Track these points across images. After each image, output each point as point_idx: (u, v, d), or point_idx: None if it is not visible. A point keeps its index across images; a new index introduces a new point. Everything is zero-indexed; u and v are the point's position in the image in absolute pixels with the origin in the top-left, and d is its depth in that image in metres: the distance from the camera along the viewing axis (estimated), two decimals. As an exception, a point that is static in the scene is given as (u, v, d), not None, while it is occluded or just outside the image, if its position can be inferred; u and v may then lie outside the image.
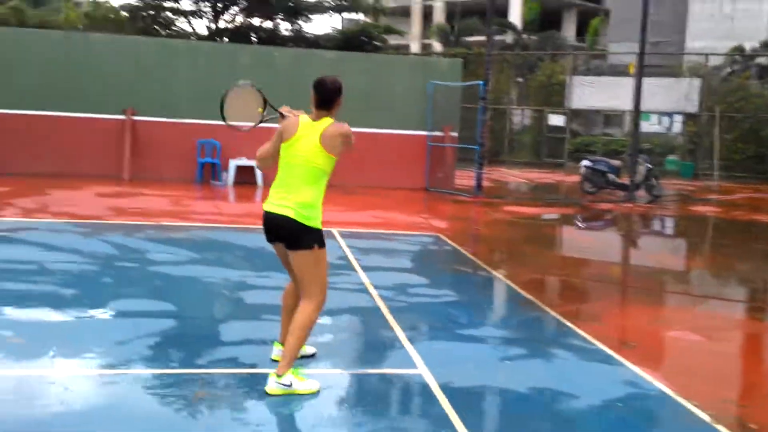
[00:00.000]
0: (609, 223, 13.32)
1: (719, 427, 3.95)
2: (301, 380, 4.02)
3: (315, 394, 4.02)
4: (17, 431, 3.43)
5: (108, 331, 4.91)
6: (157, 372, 4.28)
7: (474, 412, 4.02)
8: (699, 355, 5.45)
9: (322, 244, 4.08)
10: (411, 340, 5.13)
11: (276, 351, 4.44)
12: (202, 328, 5.14)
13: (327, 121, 4.09)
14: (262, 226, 4.20)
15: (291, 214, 3.99)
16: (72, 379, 4.10)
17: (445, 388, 4.23)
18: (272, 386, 3.95)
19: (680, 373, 4.94)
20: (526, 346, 5.25)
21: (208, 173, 14.93)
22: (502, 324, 5.94)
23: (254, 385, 4.12)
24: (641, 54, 15.98)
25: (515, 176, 22.07)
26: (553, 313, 6.15)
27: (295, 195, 4.03)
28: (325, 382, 4.22)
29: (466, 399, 4.16)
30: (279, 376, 3.95)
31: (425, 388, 4.25)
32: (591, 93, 27.23)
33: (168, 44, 16.01)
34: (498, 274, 7.62)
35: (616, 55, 33.99)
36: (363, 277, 7.04)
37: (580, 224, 12.83)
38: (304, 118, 4.14)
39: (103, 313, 5.30)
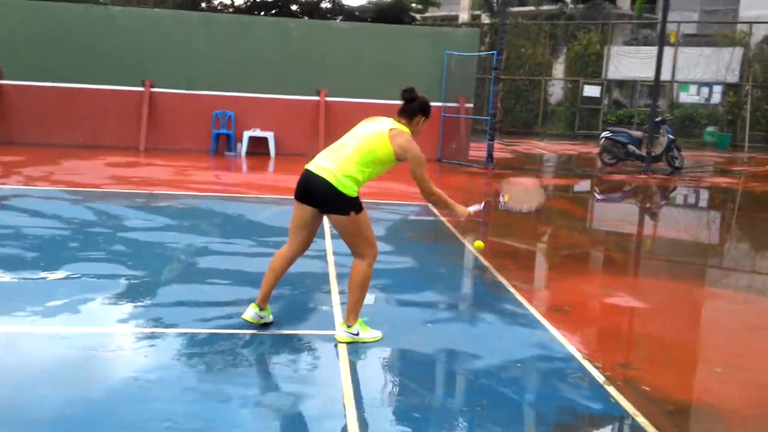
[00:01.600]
0: (612, 195, 13.10)
1: (609, 388, 3.97)
2: (366, 330, 4.48)
3: (376, 342, 4.44)
4: None
5: (49, 291, 5.17)
6: (75, 330, 4.52)
7: (367, 371, 4.13)
8: (629, 321, 5.43)
9: (359, 210, 4.28)
10: (342, 304, 5.24)
11: (250, 311, 4.55)
12: (140, 291, 5.34)
13: (402, 126, 4.34)
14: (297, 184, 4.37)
15: (328, 176, 4.19)
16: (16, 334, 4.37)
17: (350, 349, 4.35)
18: (341, 334, 4.42)
19: (599, 337, 4.95)
20: (455, 311, 5.33)
21: (224, 144, 15.25)
22: (444, 290, 5.97)
23: (160, 343, 4.31)
24: (663, 22, 15.52)
25: (542, 148, 21.79)
26: (502, 280, 6.18)
27: (342, 165, 4.21)
28: (249, 341, 4.41)
29: (365, 360, 4.27)
30: (349, 326, 4.41)
31: (331, 349, 4.37)
32: (630, 63, 26.57)
33: (185, 16, 16.24)
34: (467, 243, 7.65)
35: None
36: (328, 244, 7.16)
37: (580, 195, 12.67)
38: (387, 119, 4.39)
39: (52, 275, 5.56)
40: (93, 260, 6.09)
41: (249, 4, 29.61)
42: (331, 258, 6.60)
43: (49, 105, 14.68)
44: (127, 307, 4.93)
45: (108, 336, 4.41)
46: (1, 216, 7.59)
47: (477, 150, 16.53)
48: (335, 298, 5.40)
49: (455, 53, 15.63)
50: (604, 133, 16.66)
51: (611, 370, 4.24)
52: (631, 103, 31.06)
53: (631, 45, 29.83)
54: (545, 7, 43.96)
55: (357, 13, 29.98)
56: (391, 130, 4.27)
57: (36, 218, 7.56)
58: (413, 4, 30.42)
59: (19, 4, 14.62)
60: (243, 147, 15.00)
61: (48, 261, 5.92)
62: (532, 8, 44.46)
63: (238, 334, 4.53)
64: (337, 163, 4.24)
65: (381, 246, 7.30)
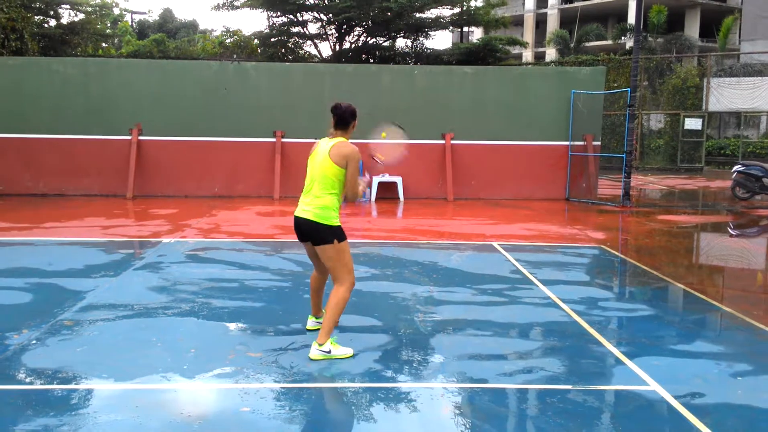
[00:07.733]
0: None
1: None
2: (337, 347, 4.86)
3: (351, 358, 4.83)
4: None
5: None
6: (384, 386, 4.40)
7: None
8: None
9: (341, 239, 4.89)
10: (628, 355, 5.03)
11: (310, 322, 5.46)
12: (416, 344, 5.24)
13: (339, 140, 4.94)
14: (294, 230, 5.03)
15: (311, 216, 4.87)
16: (329, 390, 4.28)
17: (689, 407, 4.12)
18: (314, 353, 4.79)
19: None
20: (750, 362, 5.02)
21: (352, 190, 15.28)
22: (714, 338, 5.69)
23: (480, 399, 4.15)
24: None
25: (654, 183, 21.27)
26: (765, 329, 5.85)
27: (315, 200, 4.89)
28: (553, 396, 4.23)
29: (718, 418, 4.01)
30: (320, 344, 4.80)
31: (667, 406, 4.14)
32: (730, 95, 26.00)
33: (312, 68, 16.54)
34: (686, 287, 7.35)
35: (749, 55, 32.20)
36: (546, 291, 6.97)
37: (745, 232, 12.17)
38: (324, 139, 5.00)
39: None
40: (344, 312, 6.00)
41: (335, 53, 30.20)
42: (564, 306, 6.40)
43: (184, 158, 15.02)
44: (421, 362, 4.80)
45: (430, 391, 4.27)
46: (214, 270, 7.63)
47: (599, 187, 16.18)
48: (612, 348, 5.19)
49: (582, 92, 15.45)
50: (736, 167, 16.16)
51: None
52: (719, 134, 30.32)
53: (719, 77, 29.22)
54: (622, 40, 43.71)
55: (444, 57, 30.21)
56: (330, 151, 4.83)
57: (247, 270, 7.59)
58: (501, 45, 30.44)
59: (155, 65, 15.09)
60: (372, 192, 15.02)
61: (297, 315, 5.86)
62: (610, 42, 44.27)
63: (556, 389, 4.35)
64: (313, 201, 4.88)
65: (602, 293, 7.13)
